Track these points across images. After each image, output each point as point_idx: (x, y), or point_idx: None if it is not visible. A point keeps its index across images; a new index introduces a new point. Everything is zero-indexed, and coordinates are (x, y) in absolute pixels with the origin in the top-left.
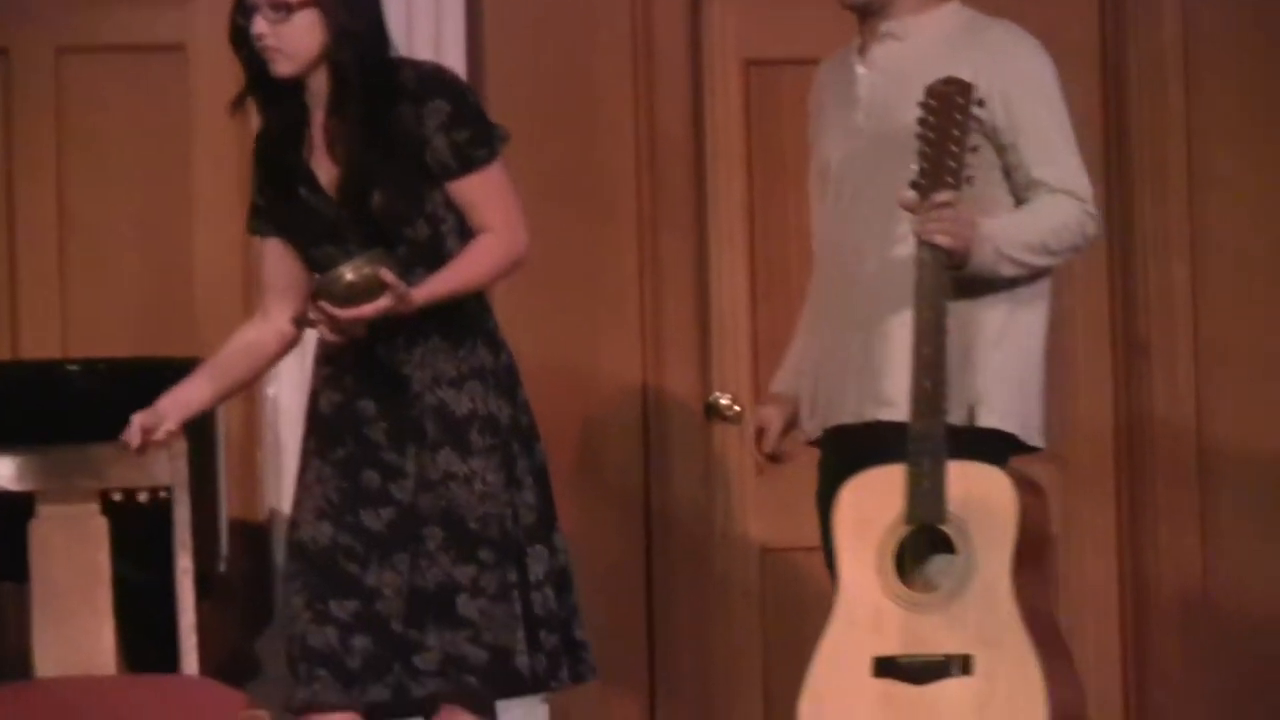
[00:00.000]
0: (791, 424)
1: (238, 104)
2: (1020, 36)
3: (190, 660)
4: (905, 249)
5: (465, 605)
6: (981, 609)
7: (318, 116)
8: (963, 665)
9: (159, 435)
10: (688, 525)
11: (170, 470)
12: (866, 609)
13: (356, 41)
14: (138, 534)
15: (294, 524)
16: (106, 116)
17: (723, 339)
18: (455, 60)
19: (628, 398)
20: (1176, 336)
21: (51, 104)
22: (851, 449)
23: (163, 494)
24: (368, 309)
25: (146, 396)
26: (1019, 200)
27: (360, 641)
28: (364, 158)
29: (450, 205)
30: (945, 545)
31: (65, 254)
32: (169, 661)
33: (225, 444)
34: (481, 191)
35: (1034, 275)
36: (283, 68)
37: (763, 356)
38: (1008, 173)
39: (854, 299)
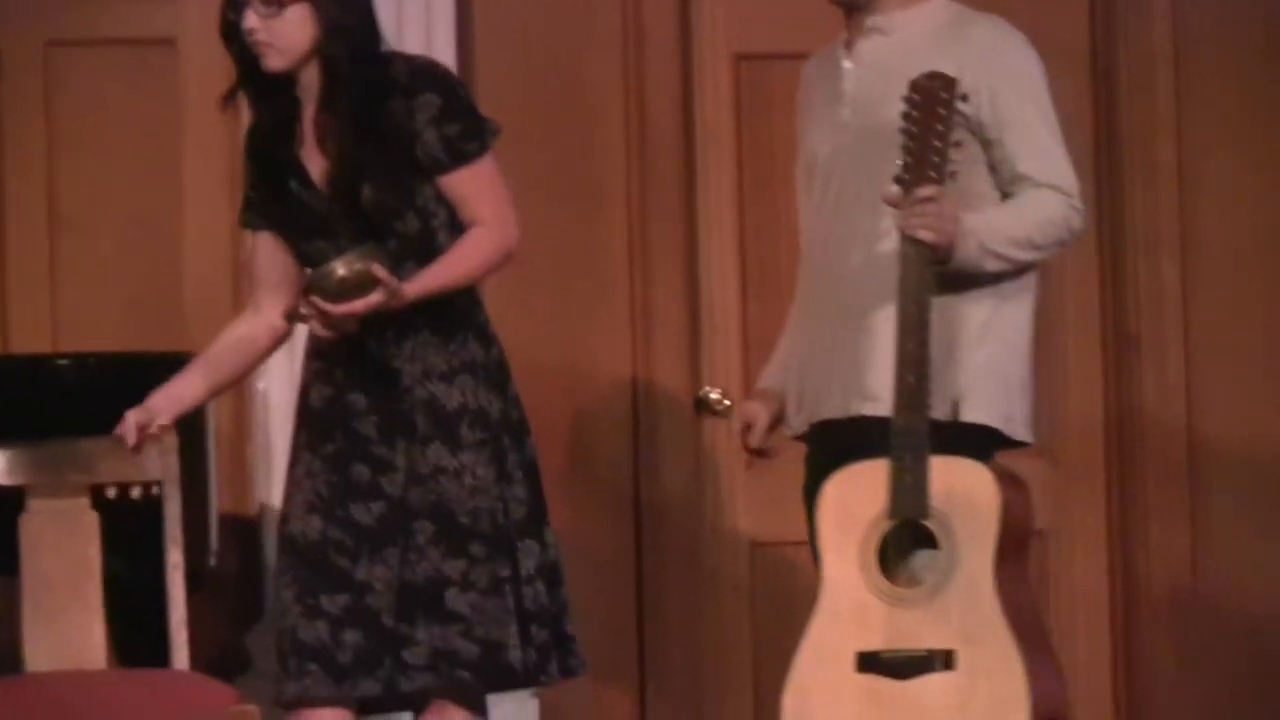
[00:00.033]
0: (778, 420)
1: (229, 99)
2: (1007, 31)
3: (181, 655)
4: (891, 244)
5: (455, 600)
6: (964, 604)
7: (309, 111)
8: (945, 660)
9: (152, 431)
10: (678, 519)
11: (161, 465)
12: (850, 604)
13: (348, 36)
14: (128, 528)
15: (284, 518)
16: (97, 111)
17: (713, 333)
18: (445, 54)
19: (618, 392)
20: (1167, 333)
21: (41, 98)
22: (836, 444)
23: (153, 489)
24: (359, 304)
25: (137, 391)
26: (1005, 195)
27: (351, 636)
28: (354, 151)
29: (441, 199)
30: (928, 540)
31: (55, 249)
32: (160, 656)
33: (216, 439)
34: (472, 185)
35: (1019, 270)
36: (274, 63)
37: (753, 351)
38: (993, 168)
39: (840, 294)
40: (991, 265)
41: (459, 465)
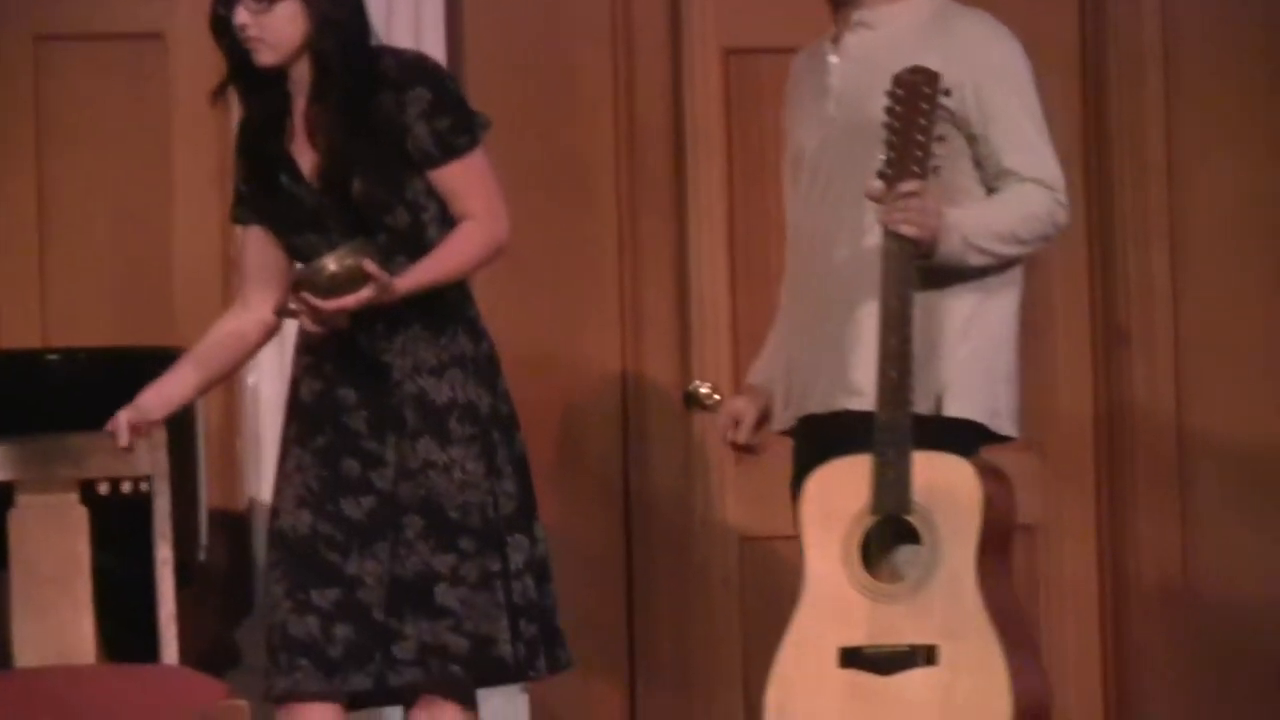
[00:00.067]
0: (765, 416)
1: (219, 94)
2: (992, 25)
3: (170, 650)
4: (877, 238)
5: (444, 594)
6: (946, 599)
7: (299, 104)
8: (927, 656)
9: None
10: (667, 513)
11: (150, 460)
12: (832, 599)
13: (338, 30)
14: (117, 523)
15: (274, 513)
16: (86, 106)
17: (703, 327)
18: (435, 49)
19: (607, 386)
20: (1156, 326)
21: (30, 93)
22: (822, 438)
23: (143, 484)
24: (350, 300)
25: (126, 386)
26: (990, 190)
27: (342, 630)
28: (345, 145)
29: (431, 193)
30: (911, 536)
31: (45, 244)
32: (149, 651)
33: (205, 433)
34: (463, 179)
35: (1004, 265)
36: (266, 58)
37: (743, 345)
38: (979, 163)
39: (826, 288)
40: (975, 260)
41: (448, 460)
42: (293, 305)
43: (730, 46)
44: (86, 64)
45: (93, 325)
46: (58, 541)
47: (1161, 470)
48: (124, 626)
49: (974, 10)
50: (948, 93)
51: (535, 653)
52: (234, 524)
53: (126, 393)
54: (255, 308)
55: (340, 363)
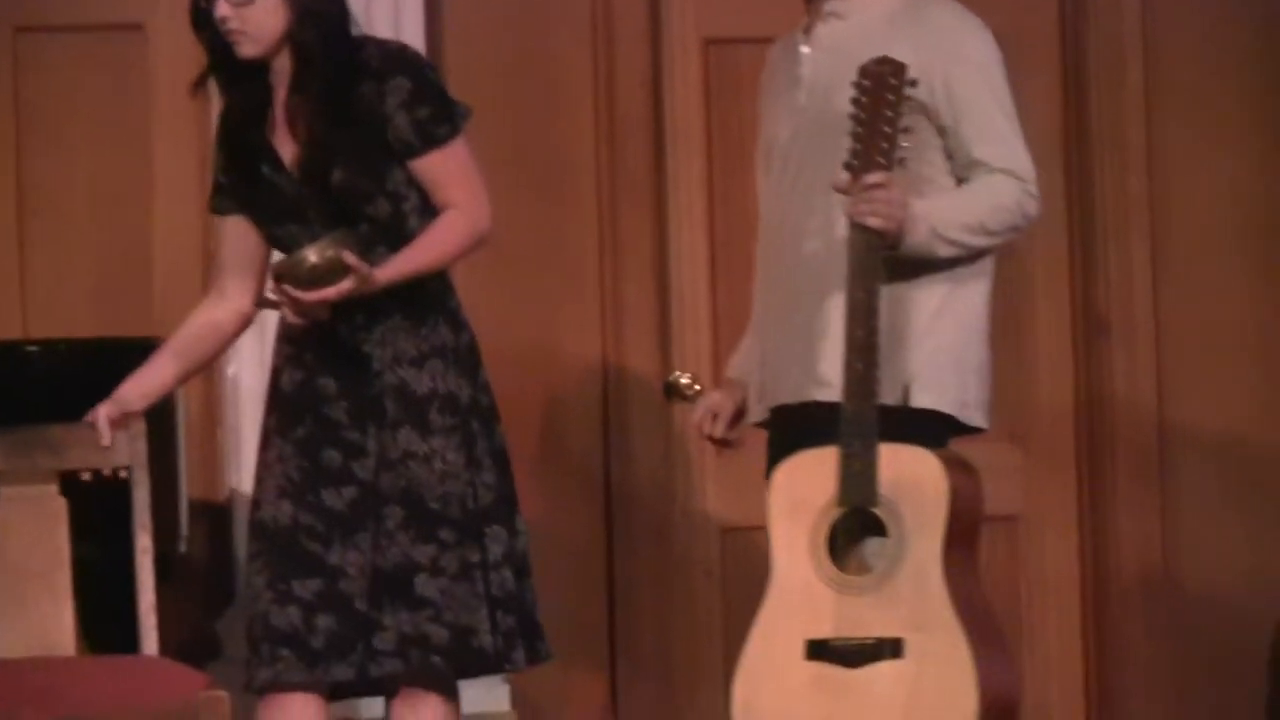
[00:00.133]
0: (743, 410)
1: (199, 85)
2: (962, 15)
3: (150, 641)
4: (846, 229)
5: (424, 585)
6: (912, 592)
7: (280, 95)
8: (894, 649)
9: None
10: (648, 504)
11: (130, 450)
12: (799, 591)
13: (320, 21)
14: (97, 514)
15: (255, 503)
16: (66, 97)
17: (683, 318)
18: (414, 39)
19: (588, 377)
20: (1137, 317)
21: (10, 83)
22: (792, 429)
23: (122, 474)
24: (330, 291)
25: (106, 377)
26: (960, 181)
27: (324, 621)
28: (326, 136)
29: (412, 183)
30: (878, 528)
31: (25, 235)
32: (129, 642)
33: (186, 424)
34: (444, 169)
35: (974, 256)
36: (248, 50)
37: (723, 335)
38: (949, 154)
39: (796, 279)
40: (944, 251)
41: (429, 450)
42: (273, 296)
43: (710, 36)
44: (66, 55)
45: (73, 316)
46: (37, 532)
47: (1142, 461)
48: (104, 617)
49: (945, 0)
50: (914, 83)
51: (513, 644)
52: (215, 515)
53: (107, 384)
54: (232, 298)
55: (321, 353)
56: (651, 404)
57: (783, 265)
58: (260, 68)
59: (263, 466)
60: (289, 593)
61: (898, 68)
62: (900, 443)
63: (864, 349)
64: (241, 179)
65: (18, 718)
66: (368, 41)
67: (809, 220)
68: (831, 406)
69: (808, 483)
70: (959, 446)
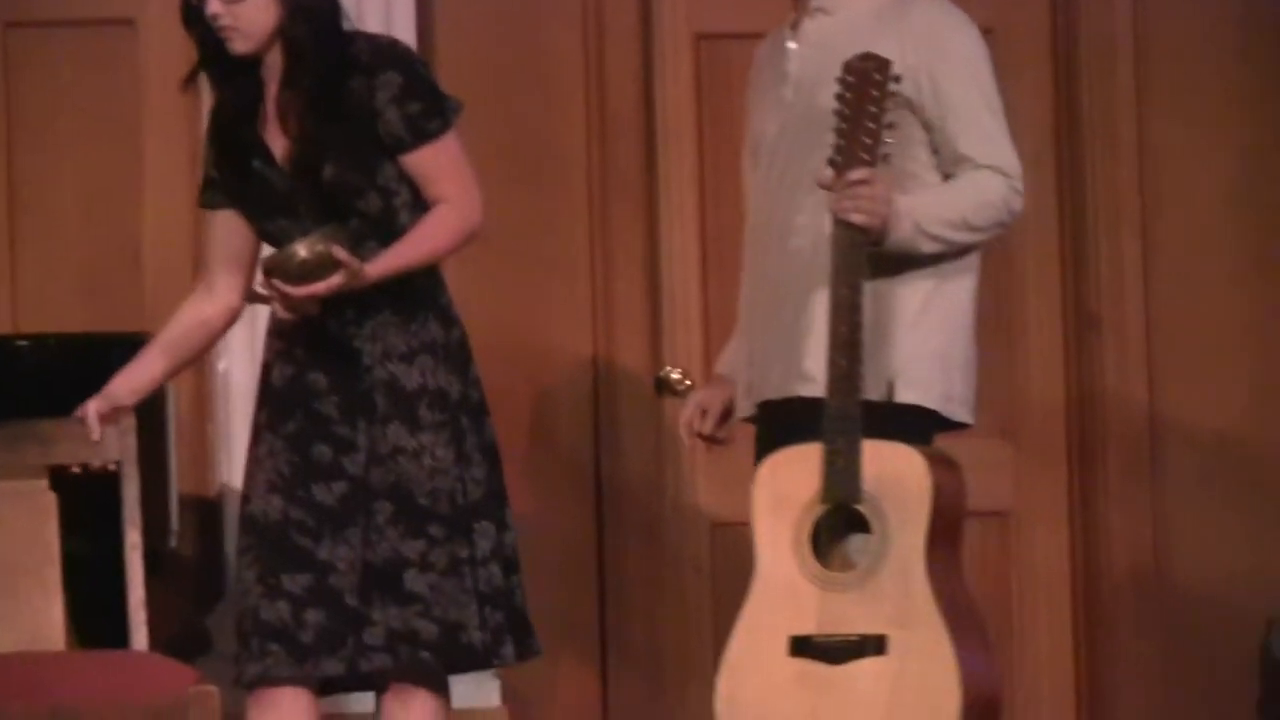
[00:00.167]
0: (732, 407)
1: (190, 81)
2: (949, 11)
3: (140, 636)
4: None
5: (414, 580)
6: (895, 588)
7: (271, 90)
8: (877, 645)
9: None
10: (639, 499)
11: (119, 445)
12: (783, 588)
13: (311, 16)
14: (87, 509)
15: (245, 498)
16: (56, 92)
17: (673, 313)
18: (405, 33)
19: (578, 372)
20: (1128, 312)
21: (1, 80)
22: (778, 425)
23: (112, 469)
24: (320, 287)
25: (96, 372)
26: (946, 176)
27: (313, 616)
28: (316, 130)
29: (403, 178)
30: (862, 524)
31: (15, 230)
32: (119, 637)
33: (176, 419)
34: (435, 163)
35: (959, 251)
36: (239, 46)
37: (713, 331)
38: (935, 149)
39: (782, 274)
40: (928, 247)
41: (418, 445)
42: (264, 291)
43: (701, 31)
44: (57, 51)
45: (63, 311)
46: (27, 527)
47: (1133, 456)
48: (94, 612)
49: None
50: (899, 79)
51: (501, 640)
52: (204, 509)
53: (97, 379)
54: (220, 294)
55: (311, 348)
56: (642, 399)
57: (769, 261)
58: (251, 63)
59: (253, 461)
60: (279, 587)
61: (882, 64)
62: (885, 439)
63: (848, 345)
64: (233, 174)
65: (7, 712)
66: (358, 36)
67: (796, 216)
68: (816, 402)
69: (791, 479)
70: (947, 442)
